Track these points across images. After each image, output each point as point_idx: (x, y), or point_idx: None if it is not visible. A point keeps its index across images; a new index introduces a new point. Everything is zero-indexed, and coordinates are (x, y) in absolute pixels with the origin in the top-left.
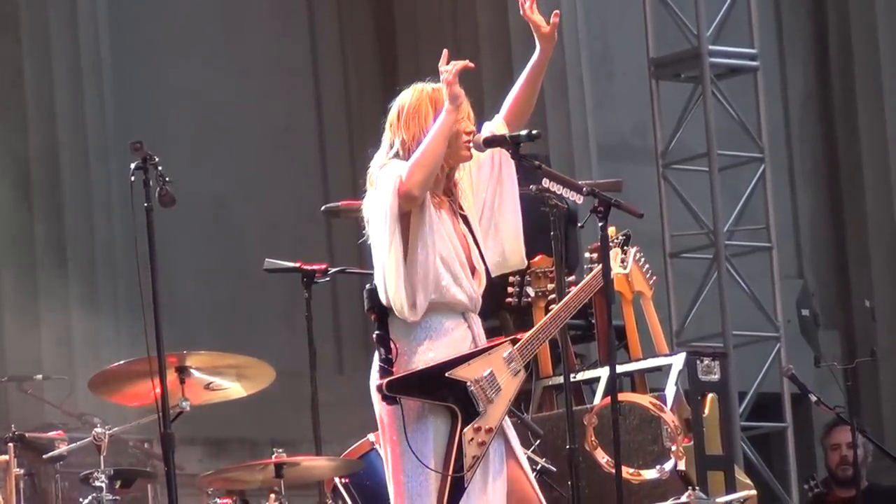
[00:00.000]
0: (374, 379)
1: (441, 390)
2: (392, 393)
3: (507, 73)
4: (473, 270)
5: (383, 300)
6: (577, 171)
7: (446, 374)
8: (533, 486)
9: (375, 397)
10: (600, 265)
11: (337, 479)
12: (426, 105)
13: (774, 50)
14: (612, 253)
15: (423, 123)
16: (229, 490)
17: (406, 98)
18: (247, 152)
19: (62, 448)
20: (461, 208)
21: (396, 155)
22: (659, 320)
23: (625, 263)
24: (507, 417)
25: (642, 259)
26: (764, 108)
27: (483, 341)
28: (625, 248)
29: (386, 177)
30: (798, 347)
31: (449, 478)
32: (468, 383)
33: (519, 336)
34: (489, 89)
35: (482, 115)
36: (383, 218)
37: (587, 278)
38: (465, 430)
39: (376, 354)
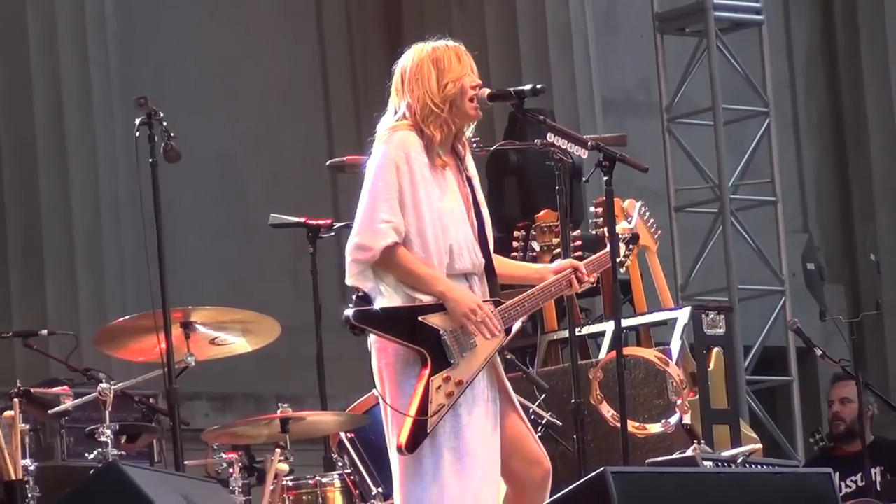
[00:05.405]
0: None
1: (412, 332)
2: (360, 324)
3: (511, 30)
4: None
5: None
6: (582, 126)
7: (419, 318)
8: (537, 442)
9: (372, 350)
10: (605, 251)
11: (342, 434)
12: (427, 66)
13: (779, 4)
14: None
15: (427, 85)
16: (235, 445)
17: (408, 61)
18: (252, 107)
19: (67, 403)
20: (467, 169)
21: (403, 117)
22: (664, 274)
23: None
24: (503, 374)
25: (647, 213)
26: (769, 61)
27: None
28: (630, 246)
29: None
30: (803, 301)
31: (412, 420)
32: (441, 332)
33: (502, 300)
34: (493, 48)
35: (487, 74)
36: None
37: (591, 258)
38: (434, 377)
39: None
